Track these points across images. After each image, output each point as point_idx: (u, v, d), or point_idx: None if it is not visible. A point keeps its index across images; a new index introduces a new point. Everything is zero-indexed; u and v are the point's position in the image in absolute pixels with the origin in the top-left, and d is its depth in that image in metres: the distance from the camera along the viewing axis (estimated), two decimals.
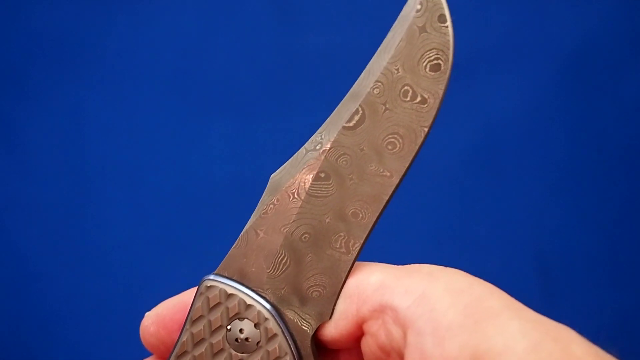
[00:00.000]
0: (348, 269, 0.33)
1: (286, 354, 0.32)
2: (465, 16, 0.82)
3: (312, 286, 0.33)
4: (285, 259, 0.33)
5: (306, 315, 0.33)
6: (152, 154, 0.82)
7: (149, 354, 0.37)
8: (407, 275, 0.31)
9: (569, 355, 0.28)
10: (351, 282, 0.33)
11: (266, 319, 0.32)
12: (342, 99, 0.34)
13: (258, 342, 0.32)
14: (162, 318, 0.36)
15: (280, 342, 0.32)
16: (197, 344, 0.33)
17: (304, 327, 0.33)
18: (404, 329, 0.30)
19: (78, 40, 0.82)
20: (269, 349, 0.32)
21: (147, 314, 0.36)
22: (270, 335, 0.32)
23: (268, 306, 0.33)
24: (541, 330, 0.28)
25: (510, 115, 0.82)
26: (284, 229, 0.33)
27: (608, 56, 0.82)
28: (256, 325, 0.32)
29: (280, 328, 0.32)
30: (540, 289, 0.81)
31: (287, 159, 0.34)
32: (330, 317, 0.33)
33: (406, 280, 0.31)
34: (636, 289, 0.81)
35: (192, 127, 0.82)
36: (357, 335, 0.33)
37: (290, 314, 0.33)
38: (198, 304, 0.33)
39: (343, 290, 0.33)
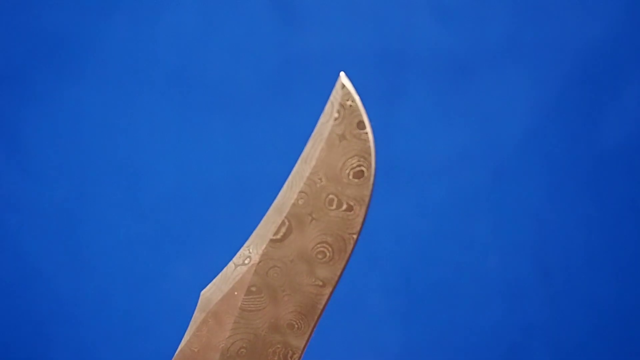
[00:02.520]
0: None
1: None
2: (467, 16, 0.82)
3: None
4: None
5: None
6: (152, 153, 0.82)
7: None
8: None
9: None
10: None
11: None
12: None
13: None
14: None
15: None
16: None
17: None
18: None
19: (78, 40, 0.82)
20: None
21: None
22: None
23: None
24: None
25: (510, 115, 0.82)
26: (219, 345, 0.33)
27: (611, 58, 0.82)
28: None
29: None
30: (540, 289, 0.81)
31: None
32: None
33: None
34: (636, 289, 0.81)
35: (192, 127, 0.82)
36: None
37: None
38: None
39: None
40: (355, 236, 0.32)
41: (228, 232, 0.78)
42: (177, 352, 0.34)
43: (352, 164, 0.32)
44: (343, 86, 0.32)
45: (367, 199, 0.32)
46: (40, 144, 0.82)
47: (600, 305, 0.81)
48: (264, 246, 0.33)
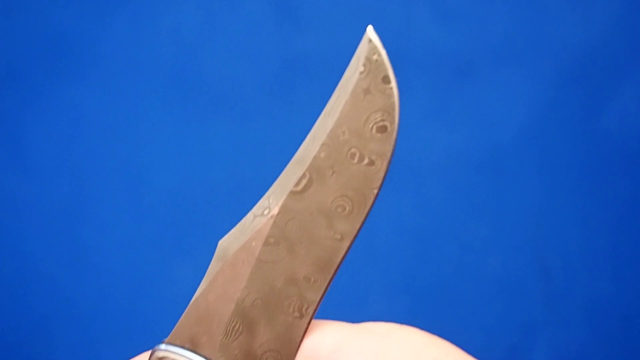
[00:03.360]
0: (302, 333, 0.32)
1: None
2: (467, 16, 0.82)
3: (266, 352, 0.32)
4: (237, 325, 0.32)
5: None
6: (152, 154, 0.82)
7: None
8: (362, 336, 0.31)
9: None
10: (306, 344, 0.32)
11: None
12: None
13: None
14: None
15: None
16: None
17: None
18: None
19: (78, 40, 0.82)
20: None
21: None
22: None
23: None
24: None
25: (510, 115, 0.82)
26: (234, 296, 0.33)
27: (611, 58, 0.82)
28: None
29: None
30: (540, 289, 0.81)
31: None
32: None
33: (362, 340, 0.31)
34: (636, 289, 0.81)
35: (192, 127, 0.82)
36: None
37: None
38: None
39: (298, 352, 0.32)
40: (375, 191, 0.32)
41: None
42: (191, 302, 0.33)
43: (376, 118, 0.32)
44: (370, 40, 0.32)
45: (389, 155, 0.32)
46: (40, 144, 0.82)
47: (600, 305, 0.81)
48: (284, 198, 0.33)
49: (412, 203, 0.81)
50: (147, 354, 0.33)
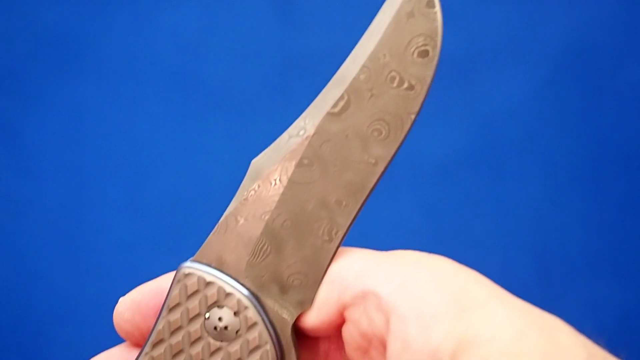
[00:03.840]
0: (330, 256, 0.32)
1: (266, 342, 0.31)
2: (467, 16, 0.82)
3: (293, 274, 0.32)
4: (265, 246, 0.32)
5: (287, 304, 0.32)
6: (152, 153, 0.82)
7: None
8: (390, 262, 0.31)
9: (555, 344, 0.27)
10: (333, 269, 0.32)
11: (246, 307, 0.32)
12: None
13: (237, 331, 0.32)
14: (137, 303, 0.35)
15: (260, 331, 0.31)
16: (174, 332, 0.32)
17: (284, 315, 0.32)
18: (386, 315, 0.29)
19: (78, 40, 0.82)
20: (249, 338, 0.31)
21: (121, 299, 0.36)
22: (250, 323, 0.32)
23: (248, 294, 0.32)
24: (527, 318, 0.28)
25: (510, 114, 0.82)
26: (264, 216, 0.33)
27: (611, 58, 0.82)
28: (235, 314, 0.32)
29: (260, 316, 0.31)
30: (540, 289, 0.81)
31: None
32: (311, 306, 0.32)
33: (389, 266, 0.30)
34: (636, 289, 0.81)
35: (192, 127, 0.82)
36: (338, 323, 0.32)
37: (270, 303, 0.32)
38: (175, 291, 0.33)
39: (325, 276, 0.32)
40: (413, 116, 0.32)
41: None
42: (220, 220, 0.33)
43: (418, 42, 0.32)
44: None
45: (429, 80, 0.32)
46: (40, 144, 0.82)
47: (600, 306, 0.80)
48: (320, 119, 0.32)
49: (412, 202, 0.81)
50: (173, 273, 0.33)
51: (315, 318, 0.32)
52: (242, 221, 0.33)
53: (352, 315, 0.31)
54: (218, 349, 0.32)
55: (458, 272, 0.30)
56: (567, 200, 0.81)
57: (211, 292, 0.32)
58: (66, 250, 0.81)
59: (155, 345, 0.33)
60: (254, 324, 0.32)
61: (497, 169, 0.81)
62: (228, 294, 0.32)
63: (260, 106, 0.81)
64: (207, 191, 0.81)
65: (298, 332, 0.33)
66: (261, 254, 0.32)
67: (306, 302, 0.32)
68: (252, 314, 0.32)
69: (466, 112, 0.81)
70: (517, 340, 0.27)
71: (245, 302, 0.32)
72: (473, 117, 0.81)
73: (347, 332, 0.31)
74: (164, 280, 0.34)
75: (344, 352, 0.33)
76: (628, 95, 0.82)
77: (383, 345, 0.30)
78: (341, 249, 0.33)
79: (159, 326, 0.33)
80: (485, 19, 0.82)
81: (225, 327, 0.32)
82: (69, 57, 0.82)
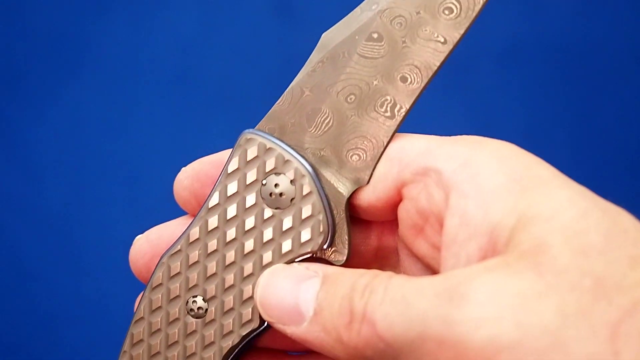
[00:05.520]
0: (391, 134, 0.32)
1: (319, 212, 0.31)
2: None
3: (352, 149, 0.32)
4: (328, 119, 0.33)
5: (343, 179, 0.32)
6: (152, 153, 0.82)
7: None
8: (451, 142, 0.31)
9: (617, 225, 0.27)
10: (394, 146, 0.32)
11: (303, 175, 0.32)
12: None
13: (292, 199, 0.32)
14: (197, 172, 0.36)
15: (315, 201, 0.31)
16: (230, 197, 0.33)
17: (340, 189, 0.32)
18: (446, 191, 0.29)
19: (78, 39, 0.82)
20: (303, 207, 0.32)
21: (183, 168, 0.37)
22: (305, 192, 0.32)
23: (306, 164, 0.32)
24: (590, 200, 0.28)
25: (510, 115, 0.82)
26: (330, 89, 0.33)
27: (612, 58, 0.82)
28: (292, 182, 0.32)
29: (316, 187, 0.32)
30: None
31: None
32: (368, 182, 0.32)
33: (452, 145, 0.31)
34: None
35: (192, 127, 0.82)
36: (395, 201, 0.32)
37: (327, 176, 0.32)
38: (235, 156, 0.33)
39: (384, 153, 0.32)
40: None
41: None
42: (286, 91, 0.34)
43: None
44: None
45: None
46: (40, 144, 0.82)
47: None
48: None
49: None
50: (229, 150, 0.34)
51: (372, 195, 0.32)
52: (307, 92, 0.34)
53: (410, 192, 0.31)
54: (271, 217, 0.32)
55: (521, 154, 0.31)
56: None
57: (270, 159, 0.32)
58: (66, 249, 0.81)
59: (210, 209, 0.33)
60: (309, 193, 0.32)
61: None
62: (287, 161, 0.32)
63: (261, 106, 0.81)
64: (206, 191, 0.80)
65: (353, 214, 0.33)
66: (323, 126, 0.33)
67: (363, 179, 0.32)
68: (308, 182, 0.32)
69: (466, 112, 0.81)
70: (579, 218, 0.27)
71: (303, 170, 0.32)
72: (473, 117, 0.81)
73: (404, 209, 0.32)
74: (225, 154, 0.35)
75: (397, 236, 0.33)
76: (628, 95, 0.82)
77: (439, 223, 0.30)
78: (400, 133, 0.33)
79: (216, 191, 0.33)
80: (486, 19, 0.82)
81: (281, 194, 0.32)
82: (68, 57, 0.82)
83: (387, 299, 0.27)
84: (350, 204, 0.33)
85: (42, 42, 0.82)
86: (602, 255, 0.25)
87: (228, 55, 0.82)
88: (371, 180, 0.32)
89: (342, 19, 0.35)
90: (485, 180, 0.29)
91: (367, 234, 0.34)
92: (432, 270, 0.31)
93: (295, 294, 0.29)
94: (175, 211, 0.85)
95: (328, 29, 0.36)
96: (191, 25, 0.82)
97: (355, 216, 0.33)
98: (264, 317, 0.31)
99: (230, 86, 0.81)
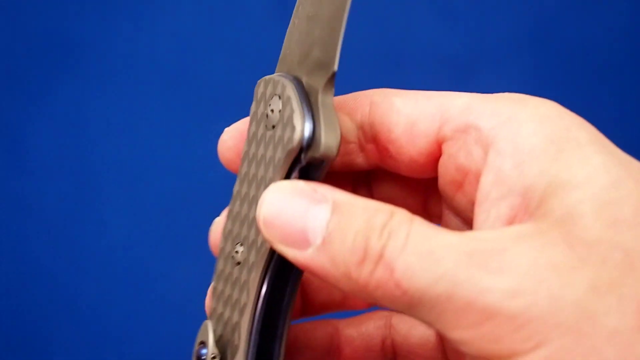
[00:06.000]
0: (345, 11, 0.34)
1: (296, 109, 0.31)
2: (467, 16, 0.82)
3: (315, 44, 0.34)
4: (300, 34, 0.35)
5: (315, 75, 0.33)
6: (152, 153, 0.82)
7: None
8: (494, 100, 0.31)
9: None
10: (435, 102, 0.32)
11: (284, 86, 0.33)
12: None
13: (280, 111, 0.33)
14: (240, 132, 0.36)
15: (293, 103, 0.32)
16: (250, 139, 0.34)
17: (314, 85, 0.33)
18: (485, 149, 0.29)
19: (78, 40, 0.82)
20: (285, 114, 0.32)
21: (226, 129, 0.37)
22: (285, 99, 0.32)
23: (287, 77, 0.34)
24: (626, 168, 0.27)
25: None
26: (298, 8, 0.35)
27: (612, 58, 0.82)
28: (279, 97, 0.33)
29: (294, 91, 0.32)
30: None
31: None
32: (334, 68, 0.32)
33: (494, 103, 0.30)
34: None
35: (192, 127, 0.82)
36: (436, 156, 0.32)
37: (305, 80, 0.33)
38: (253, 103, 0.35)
39: (425, 109, 0.32)
40: None
41: None
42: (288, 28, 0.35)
43: None
44: None
45: None
46: (40, 144, 0.82)
47: None
48: None
49: None
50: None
51: (413, 149, 0.32)
52: (296, 22, 0.36)
53: (450, 148, 0.31)
54: (269, 137, 0.33)
55: (563, 114, 0.30)
56: None
57: (268, 87, 0.35)
58: (66, 249, 0.81)
59: (243, 159, 0.34)
60: (288, 98, 0.32)
61: None
62: (276, 82, 0.34)
63: None
64: (207, 191, 0.81)
65: (395, 172, 0.33)
66: (298, 42, 0.35)
67: (329, 64, 0.33)
68: (288, 90, 0.33)
69: None
70: (611, 188, 0.26)
71: (284, 82, 0.33)
72: None
73: (443, 165, 0.32)
74: None
75: (438, 191, 0.33)
76: (629, 95, 0.82)
77: (477, 180, 0.30)
78: (442, 92, 0.33)
79: (247, 140, 0.34)
80: (485, 19, 0.82)
81: (272, 111, 0.33)
82: (68, 57, 0.82)
83: (410, 249, 0.26)
84: (392, 160, 0.33)
85: (43, 41, 0.82)
86: (633, 229, 0.26)
87: (228, 55, 0.82)
88: (412, 135, 0.32)
89: None
90: (524, 140, 0.28)
91: (410, 191, 0.35)
92: (470, 225, 0.31)
93: (304, 217, 0.28)
94: (175, 211, 0.85)
95: None
96: (191, 25, 0.82)
97: (399, 173, 0.33)
98: (266, 236, 0.30)
99: (231, 86, 0.81)
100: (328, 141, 0.30)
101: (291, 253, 0.28)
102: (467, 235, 0.27)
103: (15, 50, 0.82)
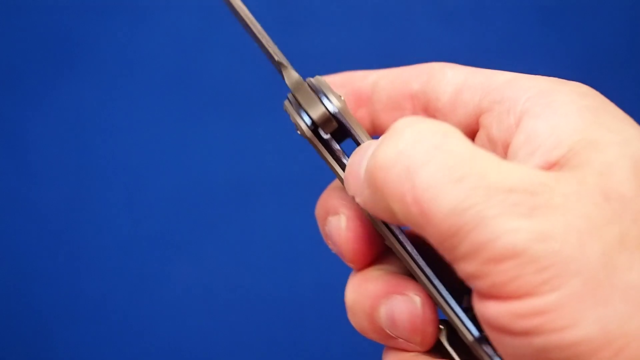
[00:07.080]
0: None
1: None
2: (467, 16, 0.82)
3: None
4: None
5: None
6: (152, 153, 0.82)
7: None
8: (536, 77, 0.32)
9: None
10: (479, 77, 0.33)
11: None
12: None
13: None
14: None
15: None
16: None
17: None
18: (519, 117, 0.30)
19: (78, 40, 0.82)
20: None
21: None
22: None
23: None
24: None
25: None
26: None
27: (612, 58, 0.82)
28: None
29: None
30: None
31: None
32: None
33: (534, 80, 0.32)
34: None
35: (192, 127, 0.82)
36: (474, 129, 0.32)
37: None
38: None
39: (472, 81, 0.33)
40: None
41: (228, 232, 0.78)
42: None
43: None
44: None
45: None
46: (40, 144, 0.82)
47: None
48: None
49: None
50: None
51: (453, 120, 0.33)
52: None
53: (485, 120, 0.32)
54: None
55: (600, 95, 0.31)
56: None
57: None
58: (66, 249, 0.81)
59: None
60: None
61: None
62: None
63: (260, 106, 0.81)
64: (207, 191, 0.81)
65: None
66: None
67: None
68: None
69: None
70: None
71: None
72: None
73: (478, 139, 0.32)
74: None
75: None
76: (630, 96, 0.82)
77: (505, 150, 0.30)
78: (488, 69, 0.33)
79: None
80: (485, 19, 0.82)
81: None
82: (68, 57, 0.82)
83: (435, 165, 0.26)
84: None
85: (42, 41, 0.82)
86: None
87: (228, 55, 0.82)
88: (455, 105, 0.33)
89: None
90: (560, 106, 0.29)
91: None
92: None
93: (361, 165, 0.30)
94: (174, 210, 0.85)
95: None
96: (191, 25, 0.82)
97: None
98: (347, 190, 0.32)
99: (231, 86, 0.81)
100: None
101: (358, 199, 0.30)
102: (502, 165, 0.26)
103: (15, 50, 0.82)
